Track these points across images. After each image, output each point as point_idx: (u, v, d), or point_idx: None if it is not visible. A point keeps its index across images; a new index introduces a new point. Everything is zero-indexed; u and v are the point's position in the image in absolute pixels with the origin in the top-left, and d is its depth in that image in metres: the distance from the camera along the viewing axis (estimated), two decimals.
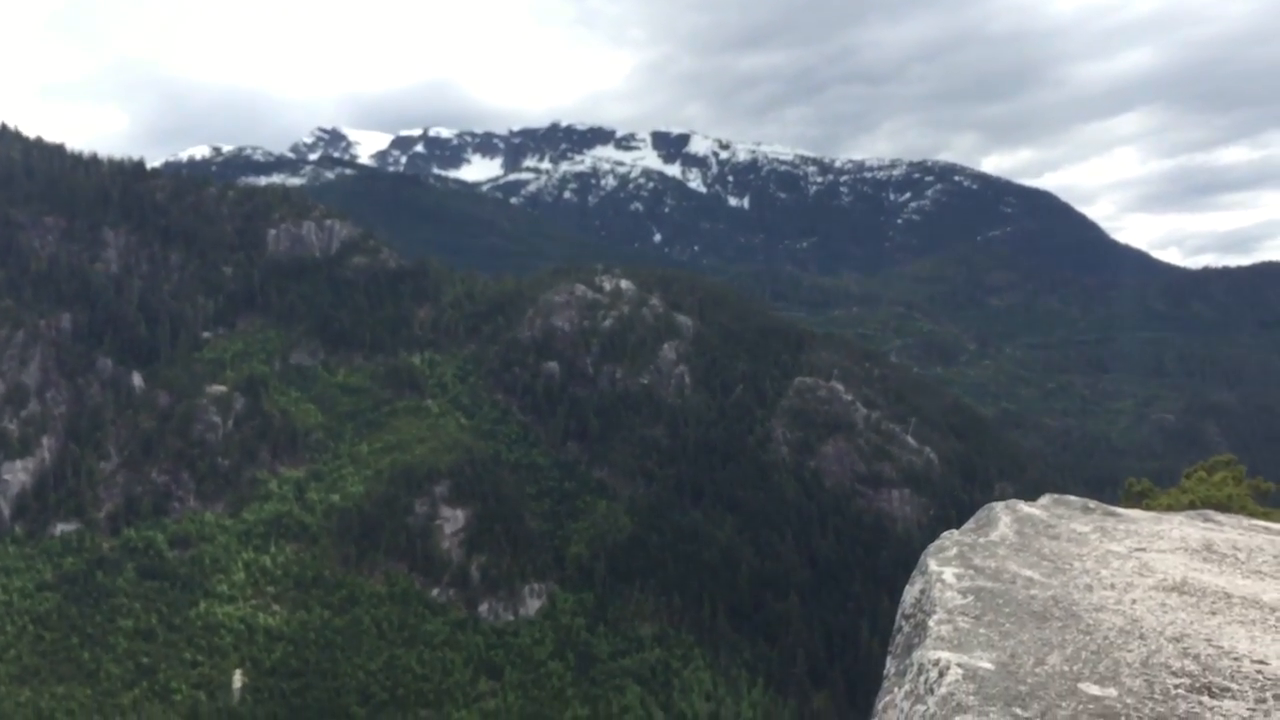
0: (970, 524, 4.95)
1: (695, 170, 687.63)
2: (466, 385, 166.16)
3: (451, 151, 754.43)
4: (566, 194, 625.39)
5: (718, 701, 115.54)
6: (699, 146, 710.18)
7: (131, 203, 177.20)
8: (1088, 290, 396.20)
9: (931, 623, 3.73)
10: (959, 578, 4.10)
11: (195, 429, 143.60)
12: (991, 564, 4.31)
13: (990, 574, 4.18)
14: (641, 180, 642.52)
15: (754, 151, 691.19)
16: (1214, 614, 3.97)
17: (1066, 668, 3.43)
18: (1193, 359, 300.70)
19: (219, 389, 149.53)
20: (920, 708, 3.34)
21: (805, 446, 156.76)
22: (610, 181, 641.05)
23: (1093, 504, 5.38)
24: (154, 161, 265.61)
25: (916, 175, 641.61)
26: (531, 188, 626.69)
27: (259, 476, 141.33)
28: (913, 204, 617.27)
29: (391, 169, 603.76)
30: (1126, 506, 6.04)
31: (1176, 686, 3.35)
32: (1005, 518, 4.94)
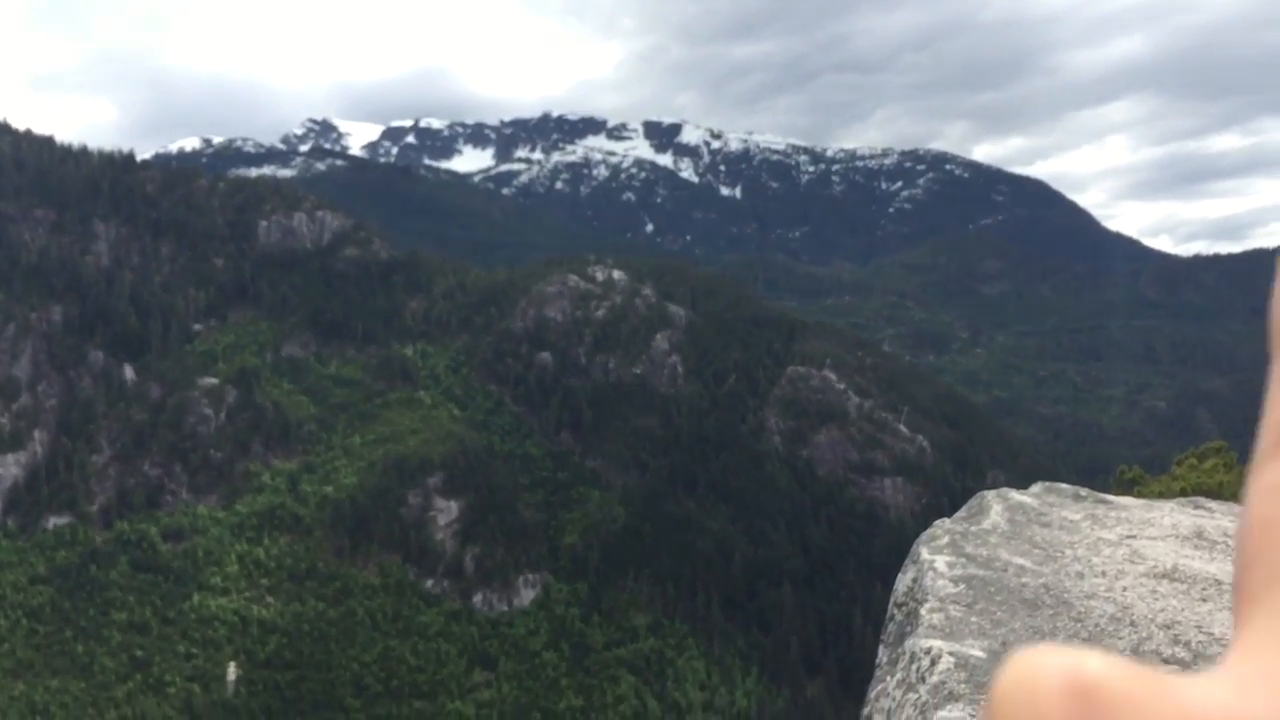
0: (962, 512, 4.95)
1: (687, 160, 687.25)
2: (459, 376, 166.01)
3: (443, 142, 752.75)
4: (558, 184, 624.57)
5: (712, 690, 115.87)
6: (691, 136, 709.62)
7: (122, 195, 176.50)
8: (1079, 278, 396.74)
9: (923, 611, 3.74)
10: (951, 566, 4.11)
11: (187, 421, 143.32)
12: (983, 552, 4.32)
13: (982, 562, 4.19)
14: (633, 170, 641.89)
15: (746, 141, 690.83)
16: (1205, 600, 3.98)
17: None
18: (1184, 346, 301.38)
19: (211, 381, 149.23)
20: (912, 696, 3.35)
21: (798, 435, 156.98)
22: (602, 172, 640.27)
23: (1084, 491, 5.39)
24: (144, 153, 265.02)
25: (908, 164, 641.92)
26: (523, 178, 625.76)
27: (252, 469, 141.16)
28: (904, 193, 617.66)
29: (383, 160, 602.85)
30: (1118, 494, 6.05)
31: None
32: (997, 506, 4.94)
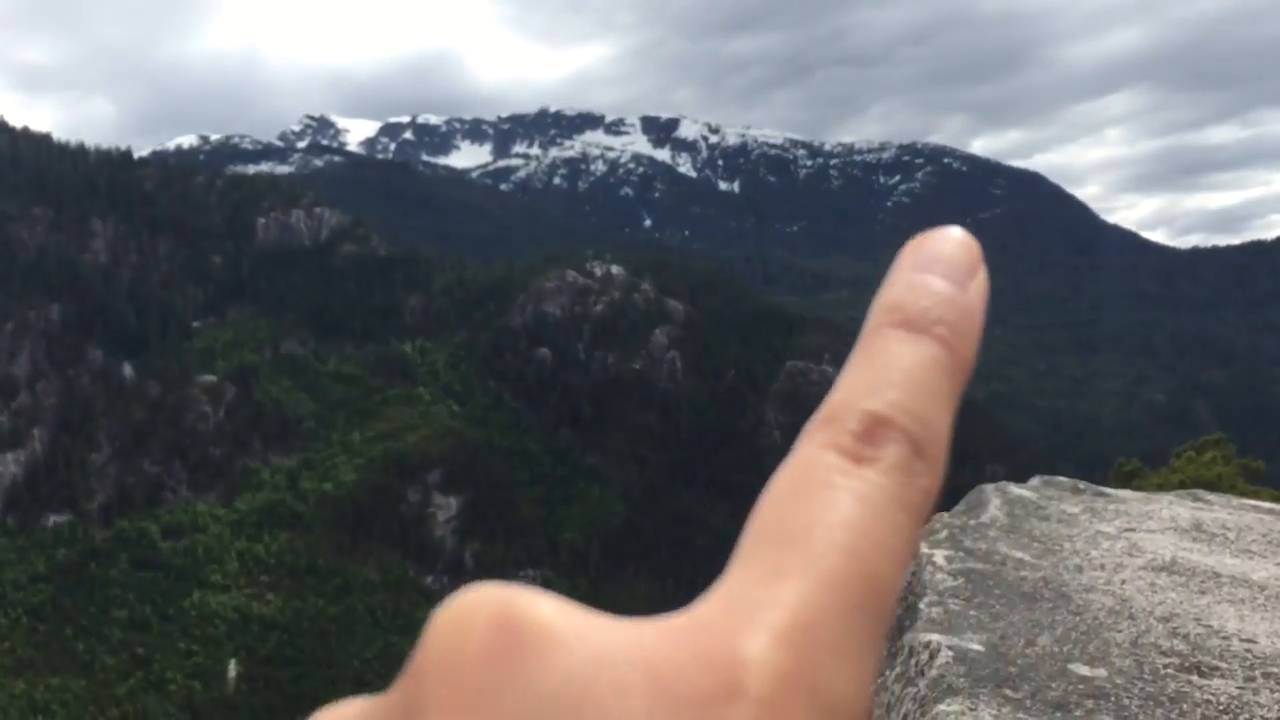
0: (961, 506, 4.96)
1: (685, 154, 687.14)
2: (458, 372, 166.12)
3: (440, 138, 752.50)
4: (556, 180, 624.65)
5: None
6: (688, 131, 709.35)
7: (119, 192, 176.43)
8: (1077, 271, 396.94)
9: (922, 605, 3.74)
10: (949, 560, 4.12)
11: (186, 419, 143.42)
12: (982, 546, 4.33)
13: (980, 556, 4.20)
14: (631, 165, 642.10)
15: (743, 135, 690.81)
16: (1203, 593, 3.99)
17: (1056, 649, 3.44)
18: (1183, 339, 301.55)
19: (210, 379, 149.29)
20: (911, 690, 3.35)
21: (797, 430, 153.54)
22: (600, 167, 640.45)
23: (1083, 485, 5.40)
24: (141, 151, 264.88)
25: (906, 158, 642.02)
26: (521, 174, 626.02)
27: (251, 466, 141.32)
28: (902, 186, 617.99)
29: (380, 156, 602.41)
30: (1117, 487, 6.06)
31: (1166, 666, 3.37)
32: (995, 500, 4.95)
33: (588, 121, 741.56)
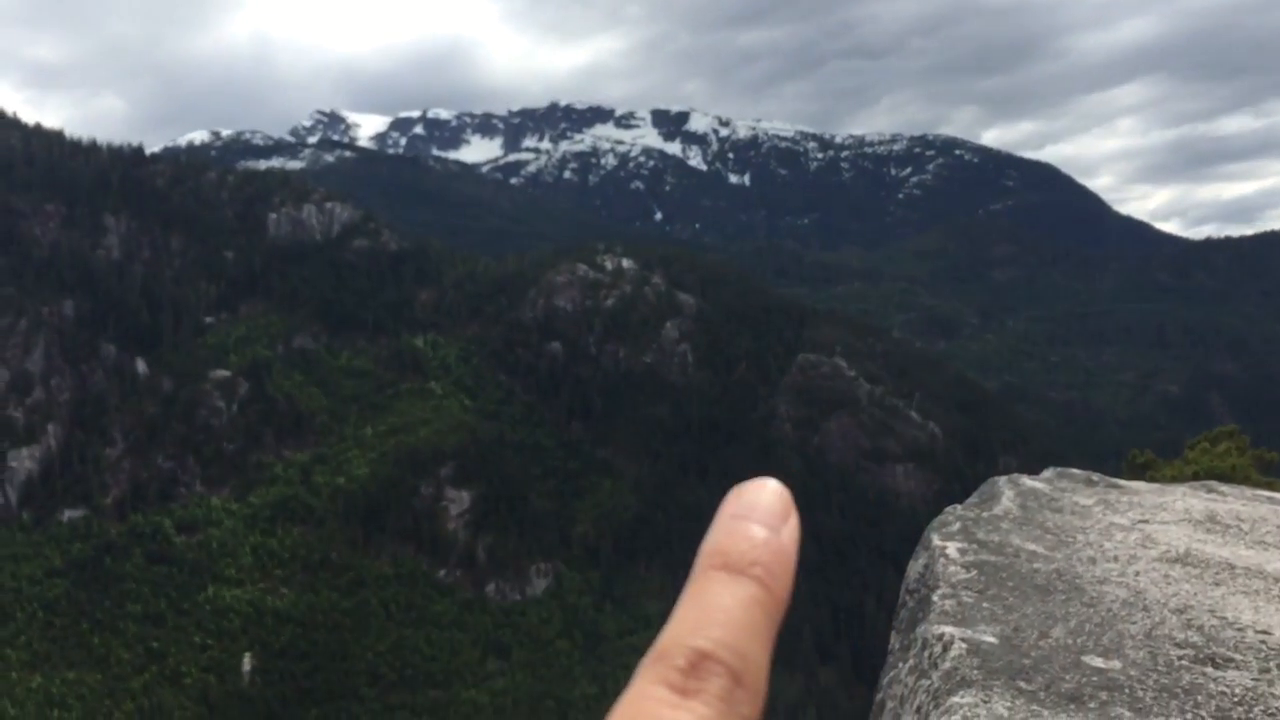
0: (974, 498, 4.96)
1: (695, 148, 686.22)
2: (469, 367, 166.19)
3: (450, 133, 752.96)
4: (566, 174, 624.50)
5: None
6: (699, 124, 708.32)
7: (131, 189, 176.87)
8: (1090, 262, 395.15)
9: (935, 598, 3.75)
10: (962, 552, 4.11)
11: (200, 414, 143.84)
12: (995, 538, 4.33)
13: (994, 548, 4.20)
14: (641, 159, 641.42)
15: (754, 128, 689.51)
16: (1218, 585, 3.98)
17: (1070, 640, 3.44)
18: (1196, 330, 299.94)
19: (222, 374, 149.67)
20: (925, 682, 3.36)
21: (809, 423, 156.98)
22: (610, 160, 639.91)
23: (1096, 477, 5.39)
24: (153, 147, 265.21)
25: (917, 150, 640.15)
26: (531, 168, 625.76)
27: (264, 460, 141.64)
28: (914, 178, 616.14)
29: (391, 151, 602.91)
30: (1130, 478, 6.04)
31: (1180, 658, 3.37)
32: (1008, 492, 4.95)
33: (598, 115, 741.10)
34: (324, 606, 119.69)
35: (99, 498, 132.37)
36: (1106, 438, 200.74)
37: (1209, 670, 3.24)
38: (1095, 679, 3.14)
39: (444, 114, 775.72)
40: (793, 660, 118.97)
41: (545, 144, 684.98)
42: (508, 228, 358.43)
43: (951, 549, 4.06)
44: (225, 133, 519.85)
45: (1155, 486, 5.44)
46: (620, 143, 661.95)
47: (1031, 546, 4.17)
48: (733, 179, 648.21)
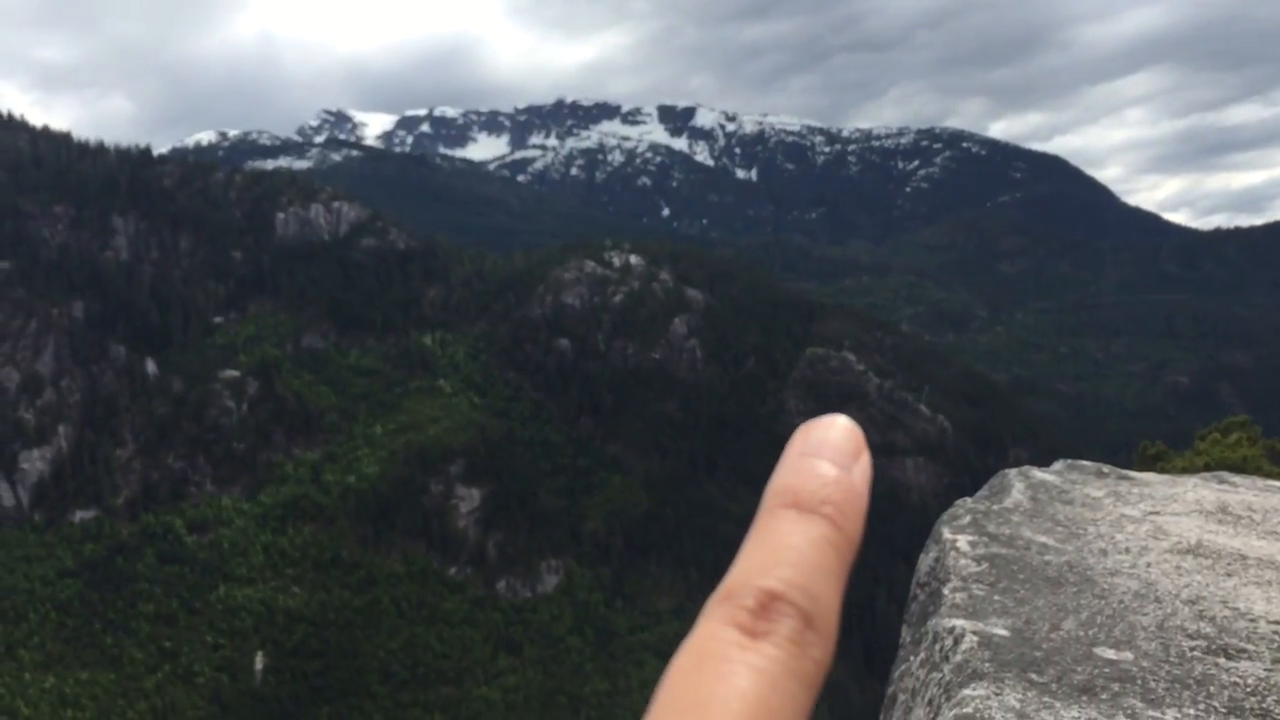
0: (984, 491, 4.95)
1: (702, 143, 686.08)
2: (478, 364, 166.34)
3: (457, 130, 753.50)
4: (573, 170, 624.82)
5: None
6: (705, 119, 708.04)
7: (139, 190, 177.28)
8: (1099, 254, 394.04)
9: (946, 591, 3.74)
10: (973, 545, 4.11)
11: (210, 414, 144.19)
12: (1005, 531, 4.32)
13: (1004, 541, 4.19)
14: (648, 154, 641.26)
15: (761, 123, 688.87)
16: (1229, 576, 3.98)
17: (1082, 633, 3.43)
18: (1206, 320, 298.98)
19: (232, 373, 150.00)
20: (936, 675, 3.36)
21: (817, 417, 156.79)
22: (617, 156, 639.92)
23: (1106, 468, 5.38)
24: (161, 148, 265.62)
25: (924, 142, 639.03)
26: (538, 165, 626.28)
27: (274, 459, 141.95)
28: (921, 171, 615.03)
29: (398, 149, 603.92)
30: (1141, 470, 6.03)
31: (1192, 649, 3.36)
32: (1019, 484, 4.94)
33: (604, 111, 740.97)
34: (335, 605, 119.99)
35: (110, 498, 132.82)
36: (1117, 429, 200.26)
37: (1221, 661, 3.23)
38: (1107, 671, 3.14)
39: (450, 112, 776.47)
40: None
41: (552, 141, 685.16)
42: (515, 225, 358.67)
43: (962, 542, 4.06)
44: (232, 133, 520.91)
45: (1166, 478, 5.43)
46: (627, 139, 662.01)
47: (1042, 539, 4.16)
48: (740, 174, 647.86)
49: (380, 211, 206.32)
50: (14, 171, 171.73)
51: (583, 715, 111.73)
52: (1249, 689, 3.05)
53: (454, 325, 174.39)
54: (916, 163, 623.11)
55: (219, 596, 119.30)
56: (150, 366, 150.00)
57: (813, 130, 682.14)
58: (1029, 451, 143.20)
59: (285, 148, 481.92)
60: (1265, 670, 3.14)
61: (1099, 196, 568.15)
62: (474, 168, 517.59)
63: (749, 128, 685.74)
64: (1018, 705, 2.94)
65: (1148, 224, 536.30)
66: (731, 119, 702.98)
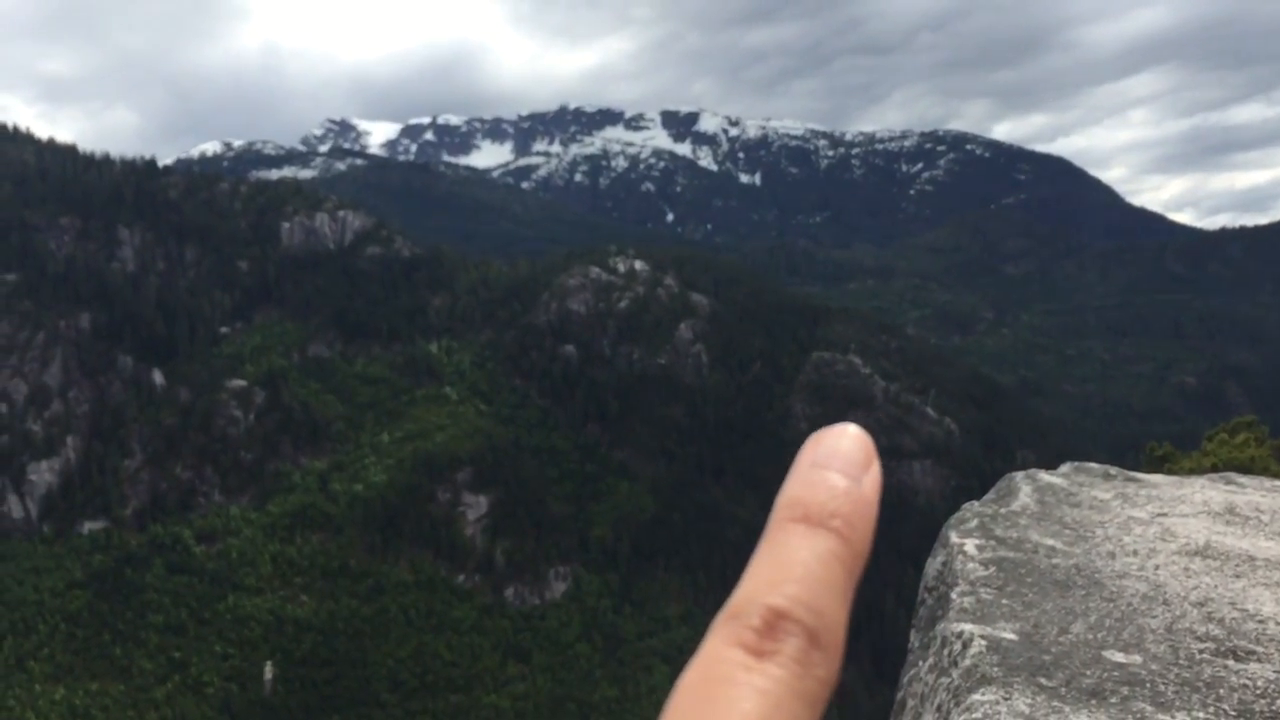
0: (991, 494, 4.94)
1: (705, 148, 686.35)
2: (484, 371, 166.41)
3: (461, 138, 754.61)
4: (577, 177, 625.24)
5: None
6: (708, 124, 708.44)
7: (145, 201, 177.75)
8: (1104, 255, 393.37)
9: (954, 595, 3.74)
10: (980, 549, 4.11)
11: (217, 424, 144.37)
12: (1013, 534, 4.32)
13: (1012, 544, 4.19)
14: (652, 160, 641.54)
15: (764, 127, 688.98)
16: (1238, 577, 3.97)
17: (1090, 636, 3.43)
18: (1212, 320, 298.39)
19: (239, 383, 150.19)
20: (945, 680, 3.35)
21: (824, 421, 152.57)
22: (621, 163, 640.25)
23: (1114, 470, 5.37)
24: (166, 159, 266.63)
25: (928, 145, 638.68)
26: (542, 172, 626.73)
27: (282, 469, 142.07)
28: (925, 174, 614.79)
29: (402, 158, 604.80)
30: (1148, 471, 6.02)
31: (1201, 651, 3.35)
32: (1026, 487, 4.93)
33: (608, 118, 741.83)
34: (344, 613, 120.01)
35: (118, 509, 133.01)
36: (1124, 431, 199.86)
37: (1230, 663, 3.23)
38: (1116, 674, 3.14)
39: (454, 120, 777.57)
40: None
41: (555, 147, 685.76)
42: (519, 232, 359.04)
43: (970, 546, 4.05)
44: (237, 143, 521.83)
45: (1173, 479, 5.42)
46: (630, 145, 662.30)
47: (1050, 542, 4.16)
48: (744, 178, 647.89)
49: (385, 220, 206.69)
50: (20, 184, 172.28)
51: None
52: (1259, 691, 3.05)
53: (460, 333, 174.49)
54: (920, 165, 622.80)
55: (228, 606, 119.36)
56: (157, 377, 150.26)
57: (816, 134, 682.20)
58: (1036, 454, 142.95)
59: (290, 157, 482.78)
60: (1275, 672, 3.13)
61: (1103, 197, 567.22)
62: (478, 175, 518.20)
63: (752, 132, 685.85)
64: (1027, 710, 2.94)
65: (1152, 224, 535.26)
66: (735, 124, 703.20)
